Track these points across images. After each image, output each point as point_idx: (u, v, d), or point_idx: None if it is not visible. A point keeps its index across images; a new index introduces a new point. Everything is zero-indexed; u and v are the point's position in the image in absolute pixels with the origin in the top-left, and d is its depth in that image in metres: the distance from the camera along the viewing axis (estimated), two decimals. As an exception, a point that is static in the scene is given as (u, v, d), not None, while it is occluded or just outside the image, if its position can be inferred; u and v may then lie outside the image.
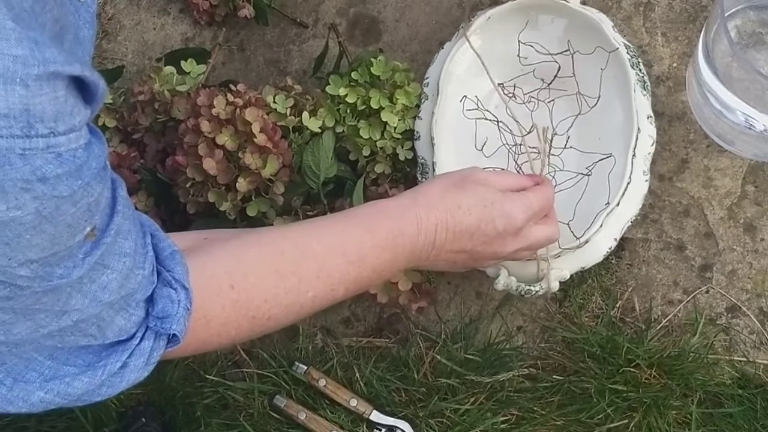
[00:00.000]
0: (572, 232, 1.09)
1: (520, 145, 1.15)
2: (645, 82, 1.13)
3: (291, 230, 0.91)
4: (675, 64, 1.22)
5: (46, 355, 0.69)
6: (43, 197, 0.58)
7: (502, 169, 1.15)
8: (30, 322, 0.65)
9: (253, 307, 0.81)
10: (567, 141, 1.16)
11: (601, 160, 1.12)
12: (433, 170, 1.12)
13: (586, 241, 1.07)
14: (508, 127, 1.17)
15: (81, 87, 0.61)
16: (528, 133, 1.15)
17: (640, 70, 1.12)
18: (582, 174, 1.14)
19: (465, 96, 1.17)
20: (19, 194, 0.57)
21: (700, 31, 1.13)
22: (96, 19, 0.73)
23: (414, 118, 1.16)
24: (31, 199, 0.57)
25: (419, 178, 1.15)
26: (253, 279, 0.82)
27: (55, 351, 0.69)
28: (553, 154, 1.15)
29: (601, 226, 1.06)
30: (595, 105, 1.14)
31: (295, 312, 0.86)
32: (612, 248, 1.10)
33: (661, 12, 1.24)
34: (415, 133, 1.16)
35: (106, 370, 0.71)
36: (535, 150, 1.11)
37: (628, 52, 1.12)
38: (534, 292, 1.07)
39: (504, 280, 1.06)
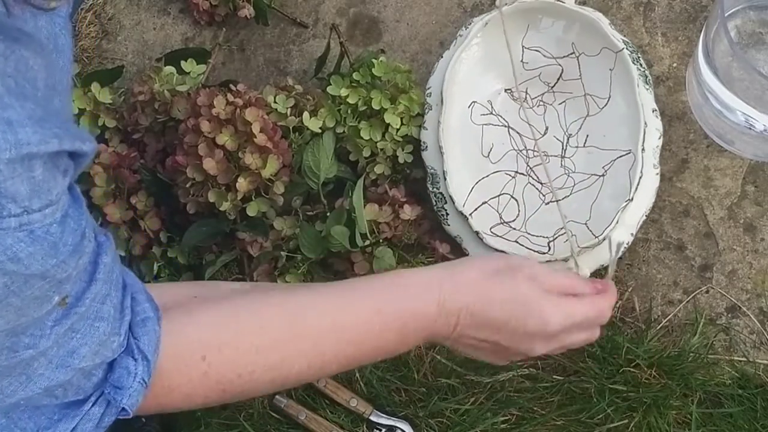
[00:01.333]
0: (590, 231, 1.09)
1: (533, 149, 1.15)
2: (647, 77, 1.13)
3: (288, 299, 0.83)
4: (675, 64, 1.22)
5: (2, 413, 0.67)
6: (13, 274, 0.57)
7: (512, 177, 1.15)
8: None
9: (225, 380, 0.77)
10: (585, 141, 1.16)
11: (619, 157, 1.12)
12: (444, 179, 1.12)
13: (604, 238, 1.07)
14: (518, 131, 1.17)
15: (61, 155, 0.59)
16: (542, 136, 1.15)
17: (641, 65, 1.13)
18: (596, 175, 1.14)
19: (474, 102, 1.17)
20: None
21: (700, 31, 1.13)
22: (69, 23, 0.70)
23: (418, 126, 1.16)
24: (0, 278, 0.56)
25: (429, 188, 1.15)
26: (228, 352, 0.77)
27: (12, 410, 0.67)
28: (566, 156, 1.16)
29: (617, 222, 1.06)
30: (605, 105, 1.14)
31: (276, 387, 0.82)
32: (629, 243, 1.10)
33: (661, 12, 1.24)
34: (422, 143, 1.15)
35: None
36: (546, 154, 1.12)
37: (627, 48, 1.12)
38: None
39: None
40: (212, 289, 0.87)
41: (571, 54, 1.16)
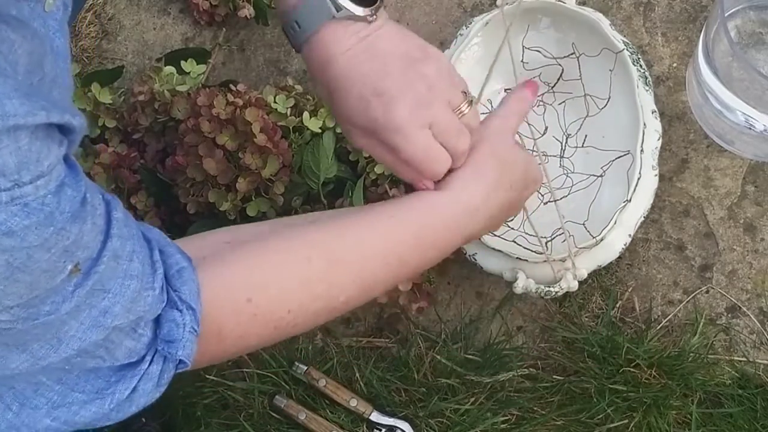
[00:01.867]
0: (588, 231, 1.09)
1: (532, 149, 1.15)
2: (647, 78, 1.13)
3: (320, 231, 0.81)
4: (675, 64, 1.22)
5: (55, 379, 0.67)
6: (12, 250, 0.56)
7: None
8: (25, 354, 0.63)
9: (275, 318, 0.76)
10: (584, 141, 1.16)
11: (618, 158, 1.12)
12: None
13: (602, 239, 1.07)
14: (517, 131, 1.17)
15: (49, 127, 0.58)
16: (542, 135, 1.15)
17: (641, 66, 1.13)
18: (594, 175, 1.14)
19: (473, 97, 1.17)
20: None
21: (700, 31, 1.13)
22: (66, 25, 0.70)
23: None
24: None
25: None
26: (275, 291, 0.76)
27: (64, 375, 0.67)
28: (564, 157, 1.16)
29: (615, 222, 1.06)
30: (605, 106, 1.14)
31: (325, 316, 0.80)
32: (627, 244, 1.10)
33: (661, 12, 1.24)
34: None
35: (115, 398, 0.69)
36: (546, 154, 1.12)
37: (627, 49, 1.12)
38: (554, 293, 1.07)
39: (522, 283, 1.06)
40: (240, 232, 0.84)
41: (572, 54, 1.16)
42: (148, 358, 0.70)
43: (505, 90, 1.18)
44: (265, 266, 0.77)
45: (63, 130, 0.59)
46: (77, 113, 0.60)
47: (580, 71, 1.16)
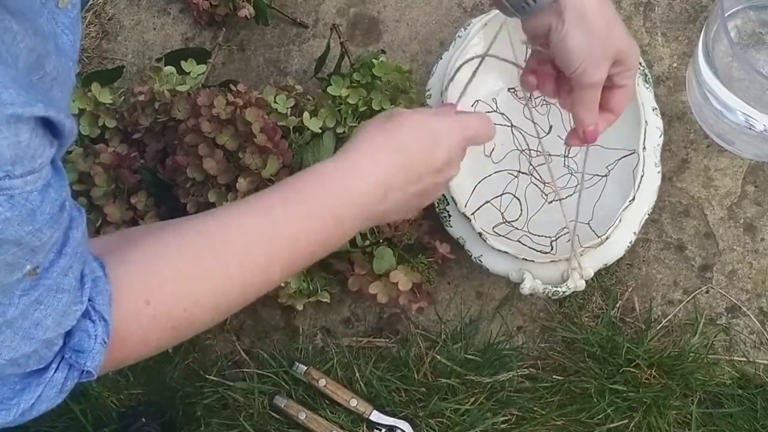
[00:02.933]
0: (593, 231, 1.09)
1: (536, 149, 1.15)
2: (646, 75, 1.13)
3: (208, 221, 0.81)
4: (675, 64, 1.22)
5: None
6: None
7: (515, 176, 1.15)
8: None
9: (173, 318, 0.76)
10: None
11: (623, 157, 1.12)
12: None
13: (607, 238, 1.07)
14: (522, 130, 1.17)
15: (49, 125, 0.59)
16: (546, 134, 1.14)
17: (640, 63, 1.12)
18: (599, 175, 1.14)
19: (478, 100, 1.17)
20: None
21: (700, 31, 1.13)
22: (80, 23, 0.70)
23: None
24: None
25: None
26: (169, 288, 0.76)
27: None
28: (568, 156, 1.16)
29: (619, 221, 1.06)
30: None
31: (224, 309, 0.80)
32: (632, 242, 1.10)
33: (661, 12, 1.24)
34: None
35: (20, 408, 0.69)
36: (550, 153, 1.12)
37: None
38: (561, 293, 1.07)
39: (530, 284, 1.06)
40: (138, 231, 0.85)
41: None
42: (54, 365, 0.70)
43: (509, 90, 1.18)
44: (158, 263, 0.77)
45: (55, 131, 0.60)
46: (71, 116, 0.61)
47: None
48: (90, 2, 1.35)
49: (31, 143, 0.57)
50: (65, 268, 0.66)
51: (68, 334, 0.70)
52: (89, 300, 0.70)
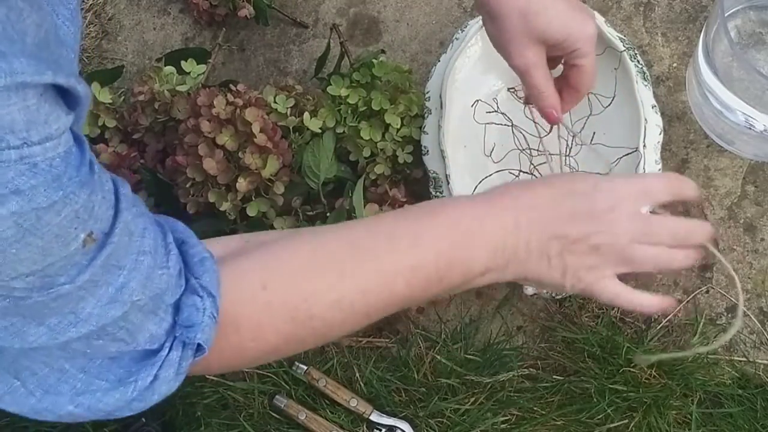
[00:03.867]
0: None
1: (536, 149, 1.15)
2: (644, 73, 1.13)
3: (329, 235, 0.80)
4: (675, 64, 1.22)
5: (78, 368, 0.68)
6: (21, 211, 0.57)
7: (516, 175, 1.15)
8: (43, 327, 0.64)
9: (291, 307, 0.74)
10: (591, 139, 1.16)
11: (626, 155, 1.12)
12: (447, 183, 1.12)
13: None
14: (522, 130, 1.17)
15: (62, 94, 0.59)
16: (547, 134, 1.14)
17: (638, 61, 1.13)
18: (599, 174, 1.13)
19: (478, 100, 1.17)
20: None
21: (700, 31, 1.13)
22: (80, 14, 0.70)
23: (418, 127, 1.16)
24: (8, 214, 0.56)
25: (432, 193, 1.15)
26: (288, 277, 0.75)
27: (87, 363, 0.68)
28: (569, 156, 1.16)
29: None
30: (610, 104, 1.14)
31: (346, 311, 0.76)
32: None
33: (661, 12, 1.24)
34: (423, 148, 1.15)
35: (137, 386, 0.69)
36: (551, 153, 1.11)
37: (624, 45, 1.12)
38: (565, 294, 1.07)
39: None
40: (262, 235, 0.84)
41: None
42: (168, 344, 0.70)
43: (508, 89, 1.18)
44: (280, 257, 0.77)
45: (68, 100, 0.60)
46: (82, 82, 0.61)
47: None
48: (90, 2, 1.35)
49: (41, 108, 0.57)
50: (137, 228, 0.66)
51: (177, 312, 0.70)
52: (196, 277, 0.71)
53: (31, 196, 0.57)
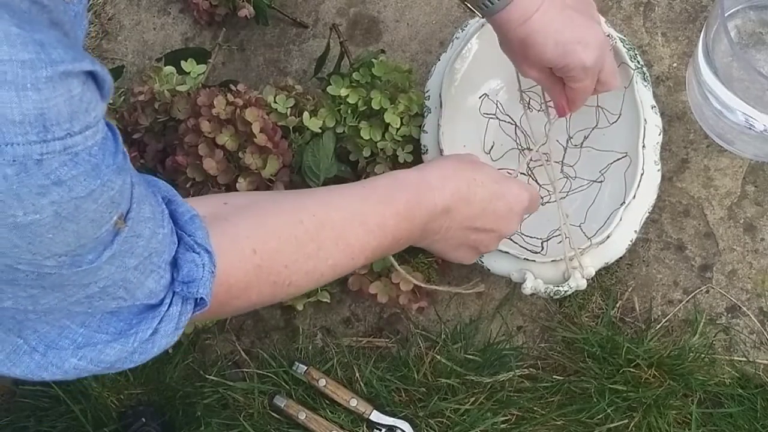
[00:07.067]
0: (584, 233, 1.09)
1: (535, 150, 1.15)
2: (644, 74, 1.12)
3: (309, 198, 0.90)
4: (675, 64, 1.22)
5: (78, 323, 0.69)
6: (61, 200, 0.58)
7: (509, 172, 1.15)
8: (59, 293, 0.65)
9: (275, 272, 0.81)
10: (583, 141, 1.16)
11: (616, 161, 1.11)
12: None
13: (608, 237, 1.07)
14: (523, 130, 1.17)
15: (94, 79, 0.60)
16: (546, 140, 1.13)
17: (638, 61, 1.12)
18: (593, 181, 1.13)
19: (485, 95, 1.17)
20: (35, 199, 0.57)
21: (700, 31, 1.13)
22: (86, 18, 0.72)
23: (418, 126, 1.16)
24: (48, 203, 0.57)
25: None
26: (275, 244, 0.81)
27: (87, 319, 0.69)
28: (565, 163, 1.15)
29: (620, 220, 1.06)
30: (616, 121, 1.14)
31: (315, 279, 0.86)
32: (633, 241, 1.10)
33: (661, 12, 1.24)
34: (422, 147, 1.15)
35: (137, 337, 0.71)
36: (546, 155, 1.11)
37: (624, 45, 1.12)
38: (563, 293, 1.07)
39: (531, 284, 1.06)
40: (236, 198, 0.91)
41: None
42: (167, 300, 0.73)
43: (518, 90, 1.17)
44: (265, 225, 0.83)
45: (98, 84, 0.61)
46: (105, 67, 0.62)
47: None
48: (90, 2, 1.35)
49: (84, 96, 0.58)
50: (141, 196, 0.68)
51: (176, 269, 0.73)
52: (189, 235, 0.74)
53: (71, 185, 0.58)
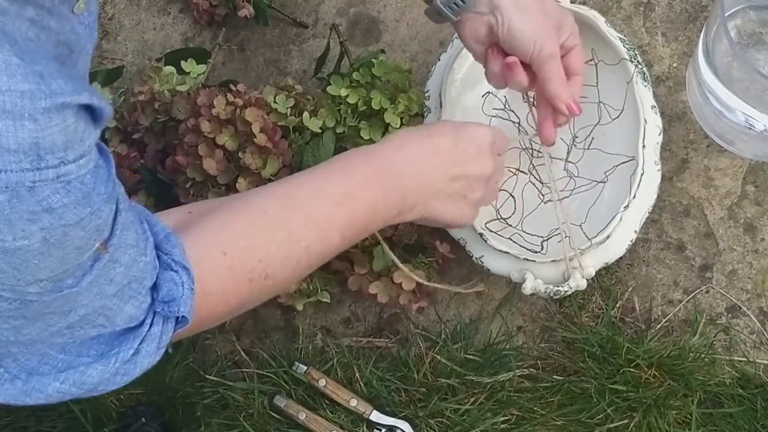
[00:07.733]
0: (585, 234, 1.09)
1: (537, 149, 1.15)
2: (644, 74, 1.12)
3: (275, 188, 0.89)
4: (675, 64, 1.22)
5: (58, 350, 0.69)
6: (50, 227, 0.59)
7: (514, 173, 1.15)
8: (40, 323, 0.66)
9: (249, 269, 0.81)
10: (589, 143, 1.15)
11: (623, 163, 1.11)
12: None
13: (608, 237, 1.07)
14: (525, 129, 1.17)
15: (89, 110, 0.61)
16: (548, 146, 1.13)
17: (638, 62, 1.12)
18: (597, 181, 1.13)
19: (488, 92, 1.17)
20: (25, 225, 0.57)
21: (700, 31, 1.13)
22: (96, 30, 0.72)
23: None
24: (37, 230, 0.58)
25: None
26: (243, 242, 0.81)
27: (67, 345, 0.70)
28: (568, 161, 1.15)
29: (620, 220, 1.06)
30: (618, 116, 1.14)
31: (292, 267, 0.84)
32: (633, 241, 1.09)
33: (661, 12, 1.24)
34: None
35: (119, 358, 0.71)
36: (548, 154, 1.11)
37: (624, 45, 1.11)
38: (563, 293, 1.07)
39: (531, 284, 1.06)
40: (201, 205, 0.90)
41: (590, 60, 1.14)
42: (148, 321, 0.73)
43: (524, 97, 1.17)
44: (231, 224, 0.82)
45: (95, 115, 0.62)
46: (104, 98, 0.63)
47: (597, 78, 1.14)
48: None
49: (78, 126, 0.59)
50: (126, 223, 0.69)
51: (155, 289, 0.73)
52: (166, 254, 0.74)
53: (61, 213, 0.59)
